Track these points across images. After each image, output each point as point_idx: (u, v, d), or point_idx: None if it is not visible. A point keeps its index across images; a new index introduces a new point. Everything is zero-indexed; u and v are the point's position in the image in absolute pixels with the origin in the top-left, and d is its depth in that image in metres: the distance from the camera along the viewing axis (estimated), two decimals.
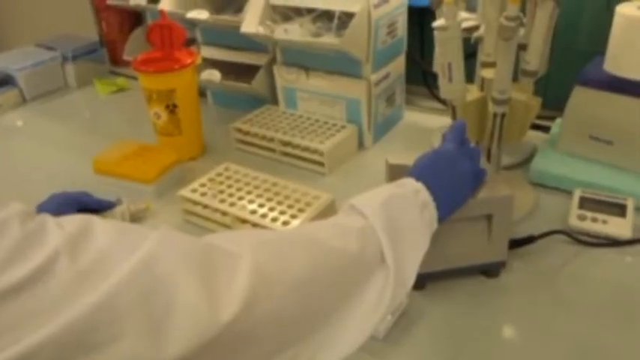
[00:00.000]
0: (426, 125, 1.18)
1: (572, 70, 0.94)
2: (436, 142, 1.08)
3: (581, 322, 0.71)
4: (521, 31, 0.86)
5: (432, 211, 0.61)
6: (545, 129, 1.08)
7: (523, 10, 0.87)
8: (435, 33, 0.80)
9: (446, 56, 0.80)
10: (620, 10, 0.85)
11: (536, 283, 0.77)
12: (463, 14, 0.96)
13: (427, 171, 0.65)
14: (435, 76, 1.15)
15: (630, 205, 0.85)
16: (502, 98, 0.81)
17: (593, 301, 0.74)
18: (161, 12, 1.05)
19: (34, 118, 1.35)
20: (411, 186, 0.62)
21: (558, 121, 1.04)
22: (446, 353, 0.69)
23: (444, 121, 1.15)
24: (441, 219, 0.63)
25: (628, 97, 0.88)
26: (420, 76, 1.24)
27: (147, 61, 1.03)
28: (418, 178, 0.63)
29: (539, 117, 0.91)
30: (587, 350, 0.67)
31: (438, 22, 0.79)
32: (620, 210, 0.84)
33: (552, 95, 1.00)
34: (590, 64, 0.93)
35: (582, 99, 0.93)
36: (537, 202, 0.91)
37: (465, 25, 0.94)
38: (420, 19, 1.19)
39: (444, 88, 0.83)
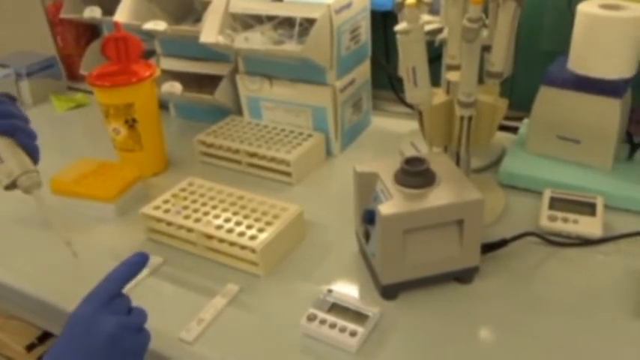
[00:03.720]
0: (395, 130, 1.16)
1: (537, 71, 0.94)
2: (404, 148, 1.07)
3: (556, 322, 0.70)
4: (485, 33, 0.85)
5: None
6: (513, 130, 1.07)
7: (485, 11, 0.87)
8: (398, 37, 0.78)
9: (410, 60, 0.79)
10: (582, 8, 0.85)
11: (509, 287, 0.76)
12: (426, 17, 0.95)
13: (61, 354, 0.54)
14: (401, 81, 1.15)
15: (600, 203, 0.85)
16: (468, 101, 0.79)
17: (567, 302, 0.73)
18: (115, 24, 1.02)
19: None
20: None
21: (526, 121, 1.04)
22: None
23: (413, 125, 1.14)
24: None
25: (592, 95, 0.88)
26: (387, 81, 1.23)
27: (102, 76, 0.99)
28: None
29: (506, 118, 0.90)
30: (562, 350, 0.67)
31: (400, 26, 0.77)
32: (590, 209, 0.84)
33: (518, 96, 0.99)
34: (554, 63, 0.93)
35: (548, 99, 0.92)
36: (508, 204, 0.91)
37: (428, 28, 0.93)
38: (383, 23, 1.17)
39: (410, 93, 0.82)
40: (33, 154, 0.69)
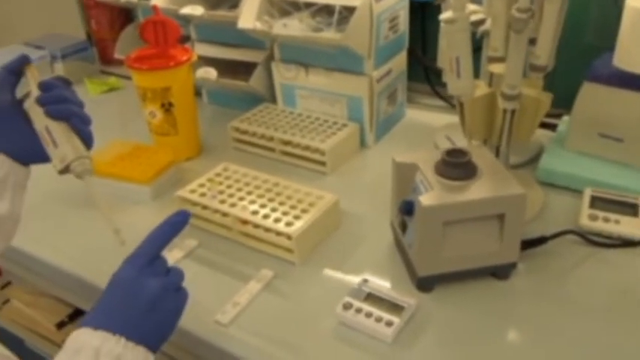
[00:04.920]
0: (429, 123, 1.15)
1: (579, 66, 0.92)
2: (439, 141, 1.06)
3: (593, 325, 0.69)
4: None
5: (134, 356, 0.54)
6: (551, 126, 1.05)
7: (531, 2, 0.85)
8: (442, 26, 0.77)
9: (454, 50, 0.78)
10: (630, 2, 0.83)
11: (546, 286, 0.75)
12: (470, 7, 0.93)
13: (105, 313, 0.56)
14: (437, 73, 1.13)
15: None
16: (513, 94, 0.78)
17: (605, 304, 0.72)
18: (154, 8, 1.02)
19: None
20: (89, 345, 0.52)
21: (565, 118, 1.02)
22: (455, 356, 0.66)
23: (447, 118, 1.13)
24: (153, 351, 0.56)
25: (638, 92, 0.86)
26: (422, 73, 1.22)
27: (140, 59, 0.99)
28: (96, 327, 0.54)
29: (545, 114, 0.89)
30: (597, 354, 0.65)
31: (445, 15, 0.76)
32: (632, 209, 0.82)
33: (559, 92, 0.97)
34: (599, 59, 0.91)
35: (591, 96, 0.90)
36: (546, 201, 0.89)
37: (470, 18, 0.92)
38: (421, 14, 1.16)
39: (452, 84, 0.81)
40: (87, 139, 0.68)
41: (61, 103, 0.66)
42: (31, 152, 0.68)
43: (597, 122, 0.91)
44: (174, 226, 0.61)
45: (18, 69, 0.68)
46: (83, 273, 0.81)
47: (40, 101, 0.66)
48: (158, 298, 0.57)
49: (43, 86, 0.67)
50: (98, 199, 0.67)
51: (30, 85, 0.68)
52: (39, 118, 0.66)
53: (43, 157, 0.67)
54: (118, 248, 0.76)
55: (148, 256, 0.59)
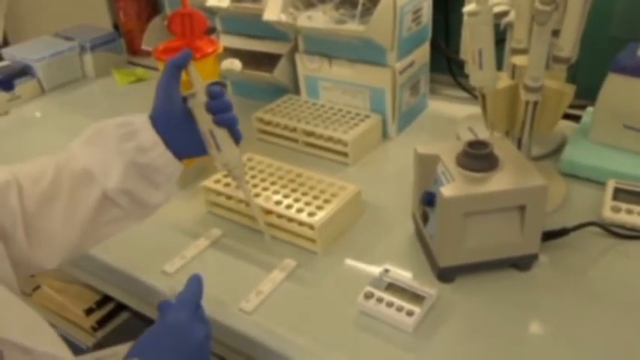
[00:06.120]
0: (451, 114, 1.15)
1: (603, 58, 0.91)
2: (461, 133, 1.06)
3: (614, 317, 0.69)
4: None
5: None
6: (575, 118, 1.05)
7: None
8: (465, 18, 0.77)
9: (476, 42, 0.78)
10: None
11: (568, 277, 0.75)
12: None
13: (156, 350, 0.59)
14: (459, 64, 1.13)
15: None
16: (535, 86, 0.78)
17: (627, 296, 0.72)
18: (182, 0, 1.03)
19: (53, 108, 1.34)
20: None
21: (589, 109, 1.02)
22: (475, 347, 0.67)
23: (469, 110, 1.13)
24: None
25: None
26: (445, 65, 1.22)
27: (168, 50, 1.01)
28: None
29: (568, 105, 0.88)
30: (620, 347, 0.65)
31: (469, 7, 0.76)
32: None
33: (582, 83, 0.97)
34: (625, 50, 0.90)
35: (616, 86, 0.90)
36: (568, 193, 0.89)
37: (495, 10, 0.91)
38: (444, 6, 1.16)
39: (474, 76, 0.81)
40: (238, 139, 0.71)
41: (228, 111, 0.68)
42: (193, 152, 0.70)
43: (622, 113, 0.91)
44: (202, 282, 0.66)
45: (184, 65, 0.68)
46: (111, 260, 0.84)
47: (211, 109, 0.67)
48: (205, 343, 0.62)
49: (212, 94, 0.68)
50: (252, 202, 0.75)
51: (195, 84, 0.69)
52: (205, 122, 0.68)
53: (198, 155, 0.70)
54: (140, 236, 0.77)
55: (195, 303, 0.63)
